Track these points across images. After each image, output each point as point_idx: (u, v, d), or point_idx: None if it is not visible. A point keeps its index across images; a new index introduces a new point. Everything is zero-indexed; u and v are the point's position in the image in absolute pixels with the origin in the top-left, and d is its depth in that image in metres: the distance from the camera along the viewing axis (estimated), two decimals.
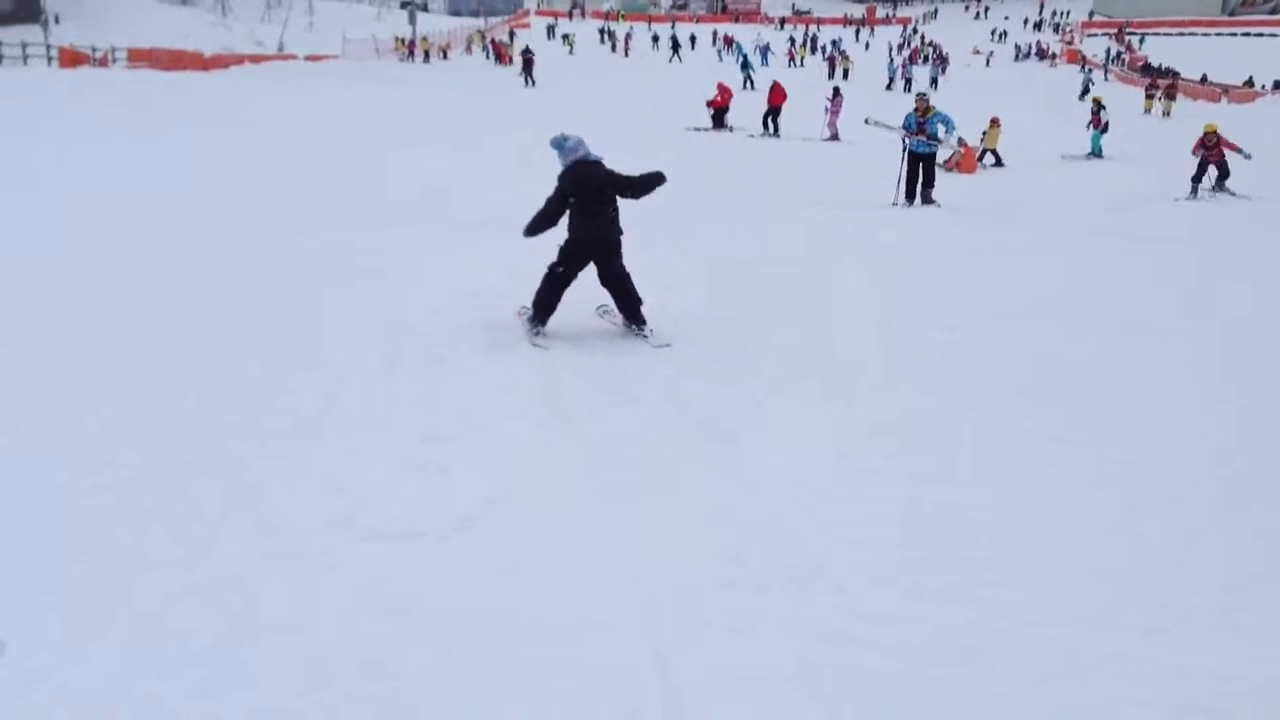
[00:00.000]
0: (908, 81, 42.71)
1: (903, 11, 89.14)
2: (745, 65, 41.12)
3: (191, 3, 68.67)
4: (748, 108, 26.16)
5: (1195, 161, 16.55)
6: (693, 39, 60.25)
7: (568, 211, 6.86)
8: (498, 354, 6.78)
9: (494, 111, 25.39)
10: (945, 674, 3.62)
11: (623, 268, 7.06)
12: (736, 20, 78.94)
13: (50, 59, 36.48)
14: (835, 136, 24.40)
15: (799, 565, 4.27)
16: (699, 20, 76.87)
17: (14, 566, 3.99)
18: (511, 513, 4.62)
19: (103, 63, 37.32)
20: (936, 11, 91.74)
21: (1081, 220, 13.41)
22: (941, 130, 14.09)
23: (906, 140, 14.16)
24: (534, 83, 36.52)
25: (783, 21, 78.17)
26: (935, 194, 14.38)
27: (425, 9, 75.26)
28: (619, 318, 7.30)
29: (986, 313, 8.32)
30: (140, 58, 38.32)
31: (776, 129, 24.71)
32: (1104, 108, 22.60)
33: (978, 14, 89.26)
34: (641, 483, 4.99)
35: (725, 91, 25.94)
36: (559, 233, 7.01)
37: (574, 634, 3.76)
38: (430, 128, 20.81)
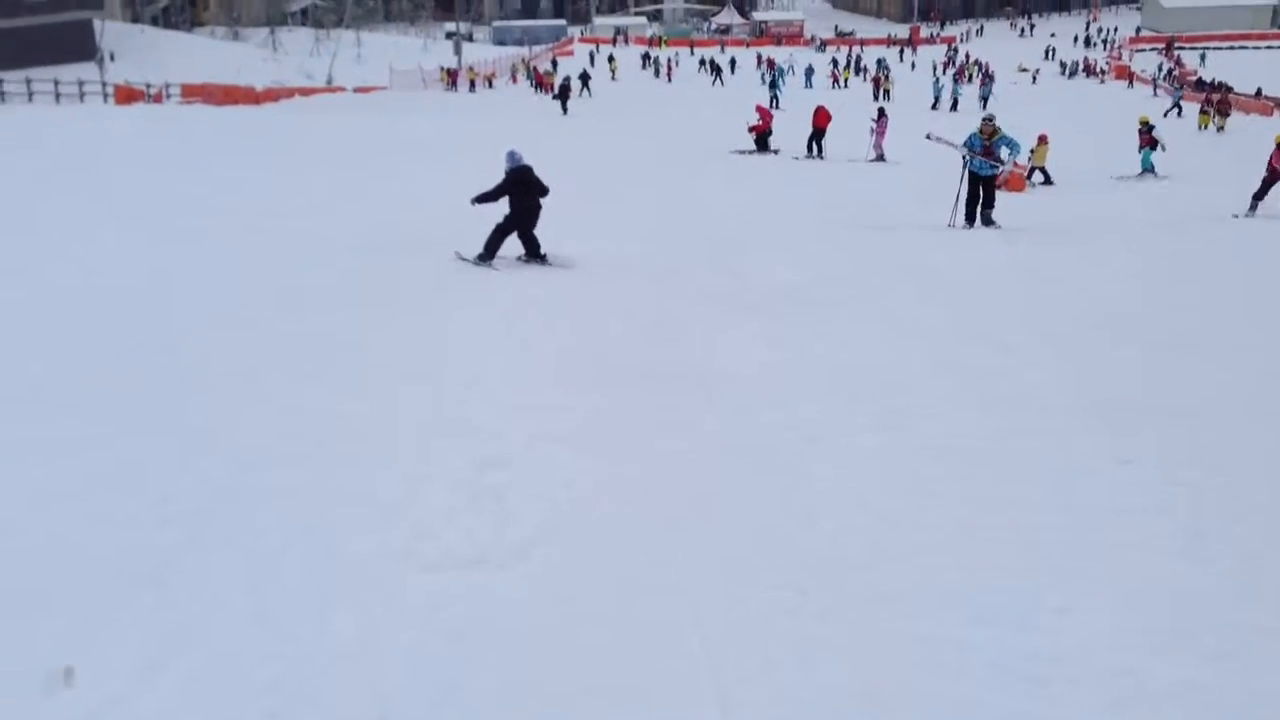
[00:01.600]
0: (954, 101, 42.51)
1: (947, 30, 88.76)
2: (774, 84, 41.51)
3: (243, 38, 70.15)
4: (780, 128, 25.93)
5: (1260, 178, 16.13)
6: (733, 62, 60.40)
7: (508, 195, 10.29)
8: (547, 382, 6.82)
9: (539, 140, 25.54)
10: (1012, 702, 3.58)
11: (533, 230, 10.44)
12: (779, 43, 79.06)
13: (106, 96, 37.36)
14: (881, 158, 24.31)
15: (862, 592, 4.24)
16: (749, 44, 77.14)
17: (84, 598, 4.05)
18: (568, 541, 4.64)
19: (157, 99, 38.09)
20: (982, 29, 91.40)
21: (1134, 239, 13.23)
22: (1005, 153, 13.90)
23: (967, 160, 13.95)
24: (567, 110, 36.42)
25: (823, 44, 78.16)
26: (994, 214, 14.16)
27: (470, 39, 76.23)
28: (524, 257, 10.58)
29: (1043, 333, 8.24)
30: (193, 93, 39.08)
31: (821, 151, 24.65)
32: (1154, 127, 22.30)
33: (1022, 31, 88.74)
34: (697, 511, 4.98)
35: (765, 115, 25.92)
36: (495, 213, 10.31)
37: (635, 663, 3.76)
38: (471, 156, 20.99)
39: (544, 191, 10.37)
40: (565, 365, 7.20)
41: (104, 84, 38.77)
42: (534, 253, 10.49)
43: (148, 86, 38.86)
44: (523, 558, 4.46)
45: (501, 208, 10.43)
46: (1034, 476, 5.48)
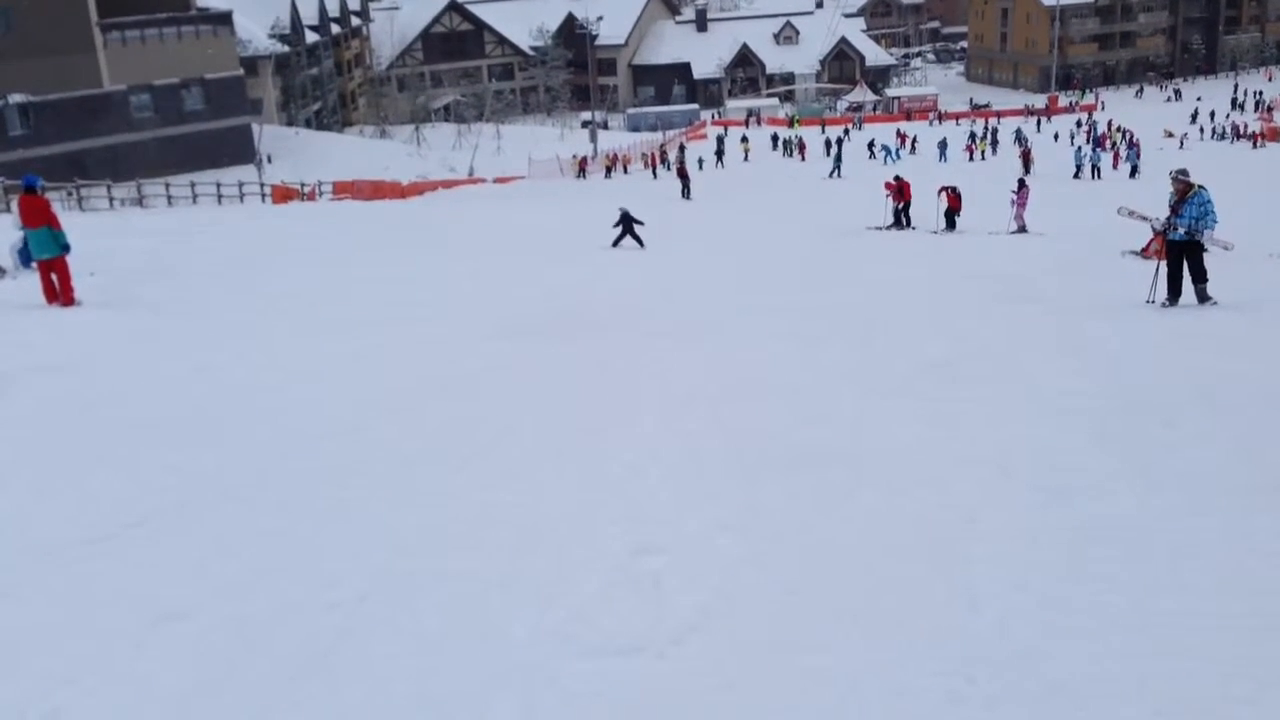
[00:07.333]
0: (1095, 169, 41.59)
1: (1090, 98, 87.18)
2: (838, 157, 45.10)
3: (390, 136, 73.45)
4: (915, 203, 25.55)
5: None
6: (839, 138, 60.27)
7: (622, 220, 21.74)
8: (698, 466, 6.79)
9: (671, 228, 25.91)
10: None
11: (636, 233, 21.66)
12: (909, 118, 78.76)
13: (264, 196, 39.52)
14: (1023, 229, 23.84)
15: (1032, 681, 4.06)
16: (861, 124, 77.02)
17: (250, 683, 4.17)
18: (726, 627, 4.58)
19: (310, 197, 40.11)
20: (1142, 90, 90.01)
21: None
22: (1197, 225, 11.69)
23: (1159, 229, 12.21)
24: (689, 194, 36.72)
25: (940, 117, 77.52)
26: (1211, 289, 11.93)
27: (605, 127, 78.13)
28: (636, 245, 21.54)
29: (1209, 407, 7.85)
30: (344, 190, 41.05)
31: (952, 224, 24.31)
32: None
33: (1169, 97, 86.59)
34: (855, 595, 4.87)
35: (905, 187, 25.70)
36: None
37: None
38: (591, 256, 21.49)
39: (639, 222, 21.38)
40: (715, 447, 7.16)
41: (262, 184, 41.05)
42: (639, 243, 21.18)
43: (302, 185, 40.99)
44: (681, 644, 4.41)
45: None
46: (1205, 560, 5.18)
